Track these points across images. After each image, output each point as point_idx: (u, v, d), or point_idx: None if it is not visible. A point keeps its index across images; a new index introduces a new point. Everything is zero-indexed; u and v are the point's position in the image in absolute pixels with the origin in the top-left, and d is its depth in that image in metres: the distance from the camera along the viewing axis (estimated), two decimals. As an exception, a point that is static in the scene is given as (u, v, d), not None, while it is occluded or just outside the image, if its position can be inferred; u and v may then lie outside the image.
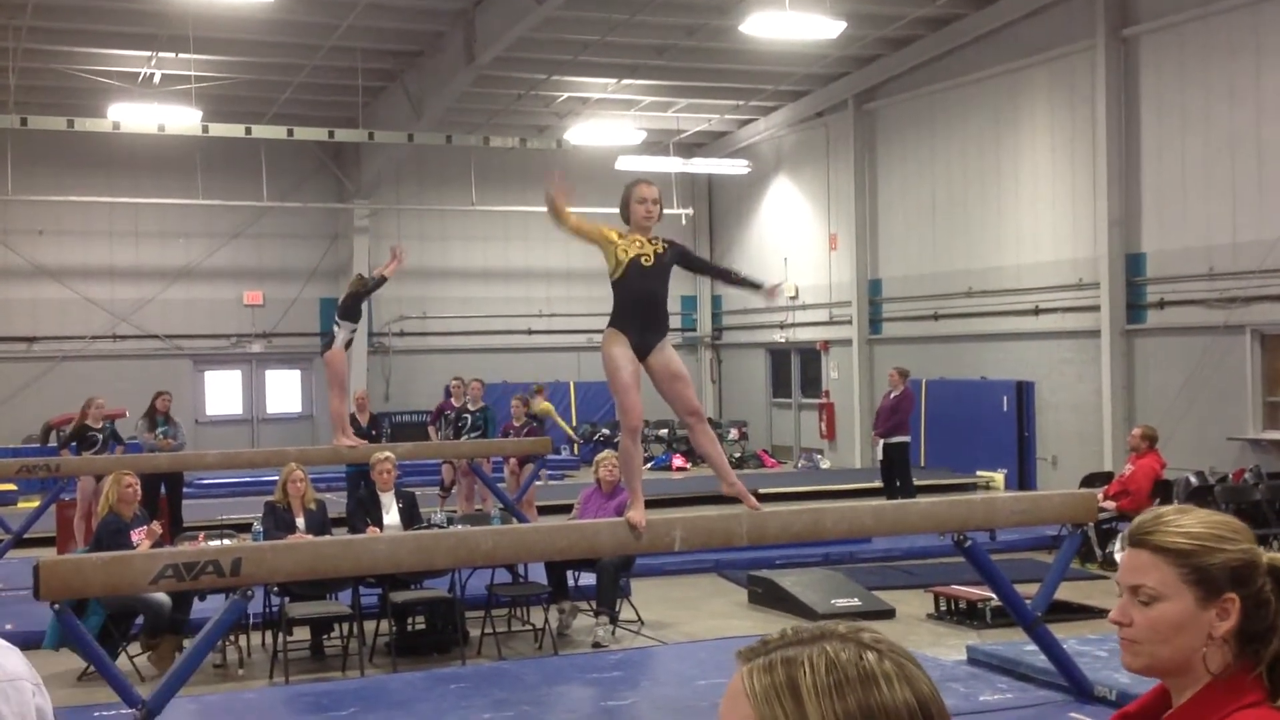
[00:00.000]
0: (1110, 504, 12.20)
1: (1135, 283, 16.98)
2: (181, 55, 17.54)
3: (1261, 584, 1.90)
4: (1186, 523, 1.95)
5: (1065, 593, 9.37)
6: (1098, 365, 17.31)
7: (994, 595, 8.45)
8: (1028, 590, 7.56)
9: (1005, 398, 18.89)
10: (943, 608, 10.40)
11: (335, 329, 11.60)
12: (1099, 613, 10.21)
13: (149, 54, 18.09)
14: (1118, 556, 12.15)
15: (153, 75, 18.95)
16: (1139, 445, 12.65)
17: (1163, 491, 12.53)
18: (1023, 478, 18.65)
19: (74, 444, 13.90)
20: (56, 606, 5.36)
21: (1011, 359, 19.06)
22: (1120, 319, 17.02)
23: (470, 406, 15.06)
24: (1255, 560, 1.92)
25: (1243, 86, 15.41)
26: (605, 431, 23.90)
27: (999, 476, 18.81)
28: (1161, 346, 16.65)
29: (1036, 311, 18.48)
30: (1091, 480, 13.55)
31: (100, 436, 13.86)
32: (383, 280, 12.18)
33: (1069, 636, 7.93)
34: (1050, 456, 18.37)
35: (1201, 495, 12.48)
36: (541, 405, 19.82)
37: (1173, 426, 15.19)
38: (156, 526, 9.18)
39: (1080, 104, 17.60)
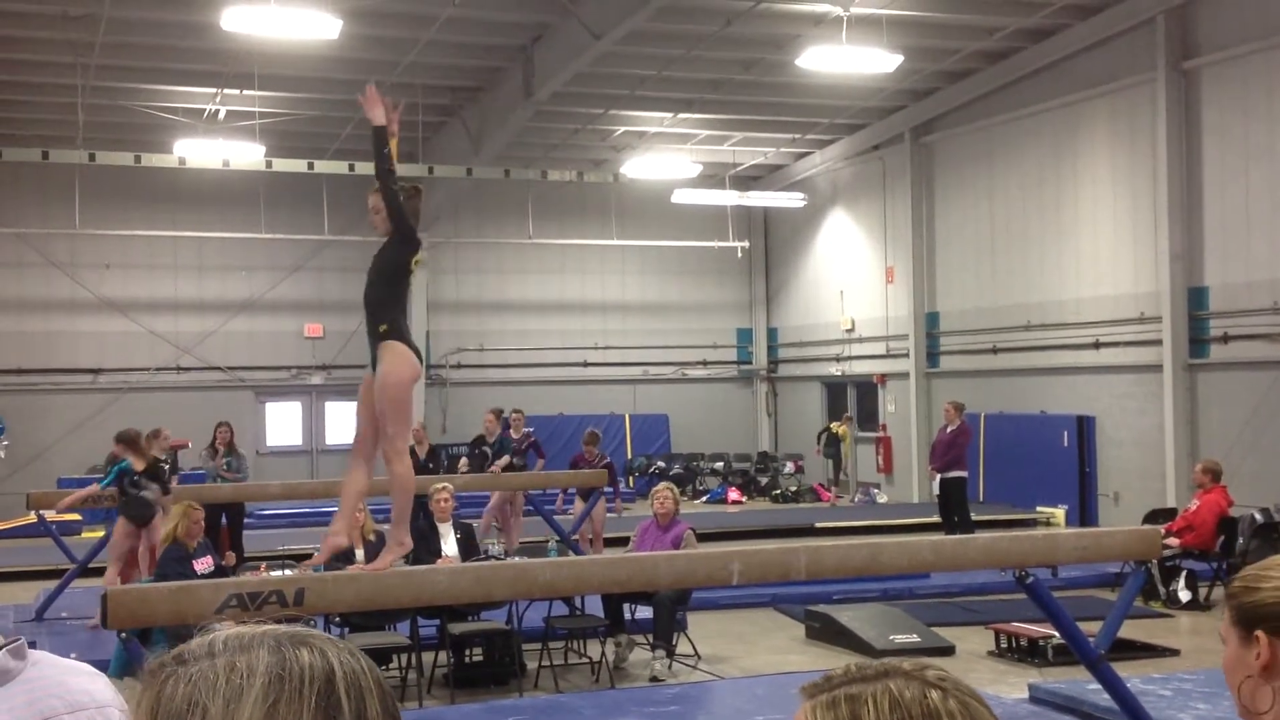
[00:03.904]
0: (1174, 540, 12.03)
1: (1198, 316, 16.77)
2: (246, 92, 17.87)
3: None
4: (1255, 567, 1.98)
5: (1129, 631, 9.23)
6: (1160, 400, 17.09)
7: (1056, 633, 8.34)
8: (1090, 628, 7.46)
9: (1066, 432, 18.67)
10: (1004, 645, 10.29)
11: (133, 490, 10.86)
12: (1163, 651, 10.08)
13: (214, 91, 18.43)
14: (1181, 594, 11.98)
15: (218, 112, 19.30)
16: (1203, 480, 12.50)
17: (1228, 528, 12.34)
18: (1084, 514, 18.40)
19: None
20: (123, 635, 5.43)
21: (1072, 393, 18.85)
22: (1182, 353, 16.81)
23: (513, 434, 15.15)
24: None
25: (1307, 118, 15.25)
26: (660, 464, 23.90)
27: (1060, 512, 18.58)
28: (1225, 381, 16.41)
29: (1097, 345, 18.29)
30: (1154, 517, 13.37)
31: (166, 468, 14.07)
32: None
33: (1133, 675, 7.82)
34: (1112, 493, 18.12)
35: (1267, 532, 12.27)
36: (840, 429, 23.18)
37: (1237, 462, 14.96)
38: (231, 557, 9.30)
39: (1141, 137, 17.46)
